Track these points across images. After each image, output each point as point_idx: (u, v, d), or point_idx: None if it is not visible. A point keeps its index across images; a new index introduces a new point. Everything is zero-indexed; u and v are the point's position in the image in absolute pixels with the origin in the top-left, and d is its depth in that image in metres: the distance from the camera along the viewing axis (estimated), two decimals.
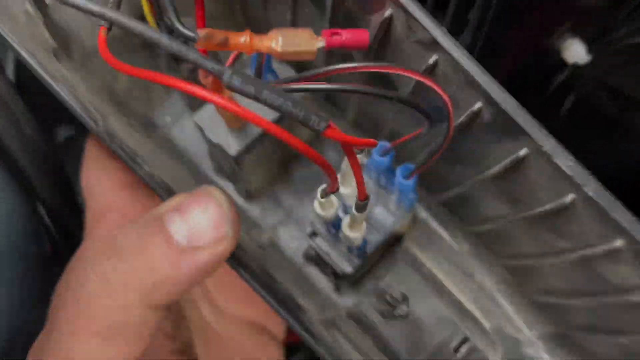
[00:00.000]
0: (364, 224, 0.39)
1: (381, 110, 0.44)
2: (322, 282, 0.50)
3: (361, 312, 0.39)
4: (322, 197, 0.35)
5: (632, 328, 0.37)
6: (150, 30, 0.25)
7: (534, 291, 0.46)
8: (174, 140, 0.54)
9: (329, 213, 0.39)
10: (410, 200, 0.43)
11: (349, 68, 0.31)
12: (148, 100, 0.54)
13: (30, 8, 0.44)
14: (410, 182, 0.40)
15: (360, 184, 0.31)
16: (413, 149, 0.42)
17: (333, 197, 0.40)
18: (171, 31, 0.30)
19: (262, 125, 0.25)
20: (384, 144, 0.41)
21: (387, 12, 0.32)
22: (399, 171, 0.40)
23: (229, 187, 0.53)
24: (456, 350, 0.36)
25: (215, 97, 0.25)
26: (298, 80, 0.32)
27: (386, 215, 0.45)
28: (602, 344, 0.41)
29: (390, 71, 0.30)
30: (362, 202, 0.33)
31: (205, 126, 0.44)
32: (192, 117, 0.46)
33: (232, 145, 0.44)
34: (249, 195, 0.52)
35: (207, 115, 0.44)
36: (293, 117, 0.25)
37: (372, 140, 0.29)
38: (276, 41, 0.31)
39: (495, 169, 0.35)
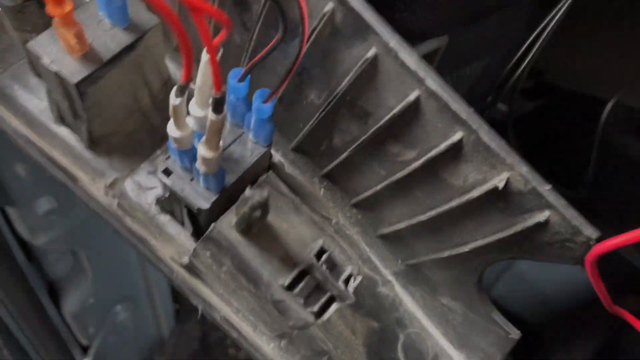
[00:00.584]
0: (221, 143, 0.38)
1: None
2: (178, 229, 0.47)
3: (220, 234, 0.38)
4: (176, 96, 0.34)
5: (473, 236, 0.41)
6: None
7: (384, 226, 0.48)
8: (6, 90, 0.49)
9: (184, 134, 0.38)
10: (266, 130, 0.43)
11: None
12: None
13: None
14: (268, 105, 0.40)
15: (215, 71, 0.31)
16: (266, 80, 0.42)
17: (188, 119, 0.38)
18: None
19: None
20: (239, 69, 0.40)
21: None
22: (256, 95, 0.40)
23: (71, 139, 0.49)
24: (318, 257, 0.36)
25: None
26: None
27: (243, 150, 0.44)
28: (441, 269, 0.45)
29: None
30: (219, 97, 0.32)
31: (42, 52, 0.40)
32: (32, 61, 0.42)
33: (74, 73, 0.40)
34: (93, 142, 0.48)
35: (45, 41, 0.41)
36: None
37: (223, 14, 0.28)
38: None
39: (345, 83, 0.37)
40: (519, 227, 0.36)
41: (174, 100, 0.34)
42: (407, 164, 0.39)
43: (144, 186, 0.49)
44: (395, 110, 0.36)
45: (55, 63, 0.40)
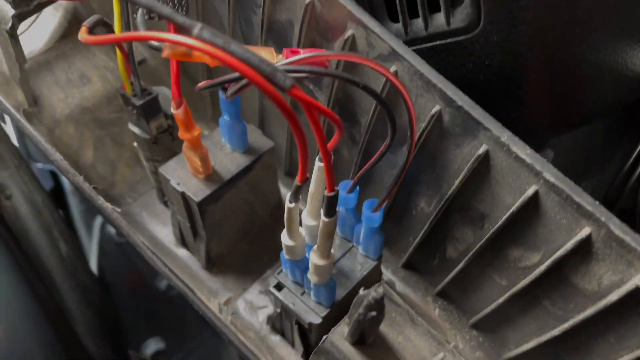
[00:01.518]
0: (332, 254, 0.38)
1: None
2: (288, 350, 0.46)
3: (333, 346, 0.36)
4: (290, 201, 0.35)
5: (617, 352, 0.36)
6: None
7: (510, 349, 0.43)
8: (135, 217, 0.53)
9: (296, 243, 0.38)
10: (376, 243, 0.42)
11: (328, 55, 0.33)
12: (112, 174, 0.54)
13: (7, 70, 0.46)
14: (377, 215, 0.40)
15: (328, 170, 0.31)
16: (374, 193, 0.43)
17: (301, 229, 0.39)
18: None
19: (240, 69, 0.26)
20: (348, 181, 0.41)
21: (349, 32, 0.35)
22: (365, 205, 0.41)
23: (189, 259, 0.51)
24: None
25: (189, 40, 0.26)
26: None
27: (352, 264, 0.43)
28: None
29: (359, 61, 0.33)
30: (332, 195, 0.33)
31: (170, 175, 0.44)
32: (162, 184, 0.46)
33: (198, 192, 0.43)
34: (209, 263, 0.50)
35: (173, 166, 0.45)
36: (260, 71, 0.26)
37: (335, 115, 0.30)
38: None
39: (457, 185, 0.36)
40: None
41: (288, 204, 0.35)
42: (531, 269, 0.36)
43: (255, 305, 0.49)
44: (513, 209, 0.34)
45: (182, 184, 0.44)
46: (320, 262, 0.38)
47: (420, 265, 0.48)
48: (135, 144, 0.50)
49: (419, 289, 0.49)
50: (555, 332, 0.38)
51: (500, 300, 0.41)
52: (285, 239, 0.39)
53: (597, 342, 0.36)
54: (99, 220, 0.82)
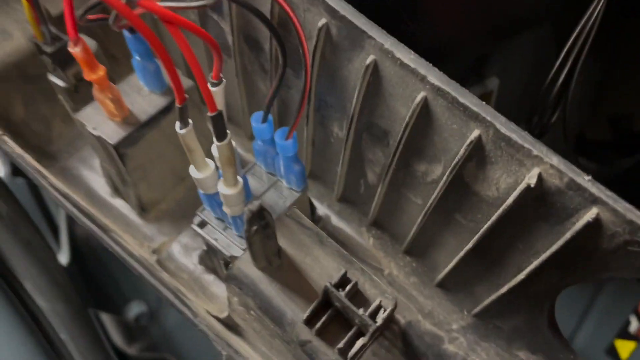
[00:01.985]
0: (241, 181, 0.38)
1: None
2: (221, 287, 0.46)
3: (240, 272, 0.36)
4: (180, 129, 0.34)
5: (526, 258, 0.35)
6: None
7: (440, 270, 0.43)
8: (72, 171, 0.53)
9: (204, 174, 0.38)
10: (296, 173, 0.42)
11: None
12: (47, 131, 0.54)
13: None
14: (290, 142, 0.40)
15: (204, 89, 0.31)
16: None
17: (209, 161, 0.39)
18: None
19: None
20: (260, 112, 0.41)
21: None
22: (277, 134, 0.40)
23: (125, 208, 0.51)
24: (340, 288, 0.33)
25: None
26: None
27: (277, 197, 0.43)
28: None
29: None
30: (214, 115, 0.32)
31: (86, 120, 0.44)
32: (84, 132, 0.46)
33: (113, 135, 0.43)
34: (143, 209, 0.50)
35: (90, 112, 0.44)
36: None
37: (200, 29, 0.29)
38: None
39: (355, 102, 0.35)
40: (568, 235, 0.31)
41: (179, 130, 0.35)
42: (437, 182, 0.36)
43: (190, 247, 0.49)
44: (407, 119, 0.33)
45: (97, 129, 0.43)
46: (227, 190, 0.38)
47: (351, 196, 0.47)
48: (59, 96, 0.50)
49: (354, 221, 0.48)
50: (470, 245, 0.37)
51: (420, 220, 0.40)
52: (192, 171, 0.39)
53: (508, 251, 0.36)
54: None
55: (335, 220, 0.49)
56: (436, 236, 0.41)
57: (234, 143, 0.35)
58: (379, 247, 0.47)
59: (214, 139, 0.34)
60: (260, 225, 0.30)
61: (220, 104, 0.35)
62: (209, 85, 0.35)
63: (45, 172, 0.41)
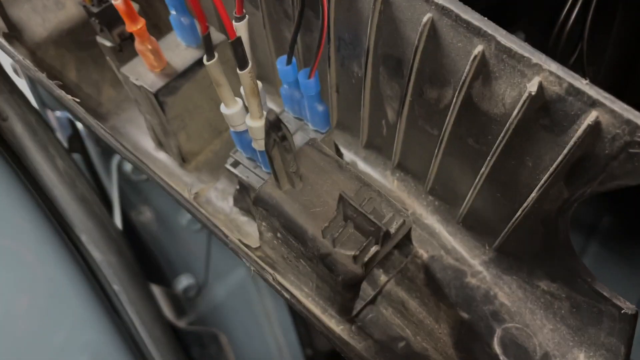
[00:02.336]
0: (265, 112, 0.40)
1: None
2: (254, 226, 0.49)
3: (265, 193, 0.38)
4: (207, 60, 0.37)
5: (536, 174, 0.37)
6: None
7: (460, 205, 0.45)
8: (120, 129, 0.58)
9: (233, 110, 0.41)
10: (320, 114, 0.44)
11: None
12: (98, 94, 0.59)
13: None
14: (312, 81, 0.42)
15: (223, 16, 0.34)
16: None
17: (237, 99, 0.42)
18: None
19: None
20: (284, 55, 0.44)
21: None
22: (300, 74, 0.43)
23: (167, 159, 0.55)
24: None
25: None
26: None
27: (303, 138, 0.46)
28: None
29: None
30: (234, 41, 0.35)
31: (130, 72, 0.48)
32: (127, 86, 0.50)
33: (153, 84, 0.47)
34: (183, 160, 0.53)
35: (133, 65, 0.48)
36: None
37: None
38: None
39: (369, 32, 0.38)
40: (572, 142, 0.32)
41: (205, 62, 0.38)
42: (449, 108, 0.38)
43: (226, 192, 0.52)
44: (416, 43, 0.36)
45: (139, 79, 0.47)
46: (254, 123, 0.41)
47: (375, 141, 0.49)
48: (107, 57, 0.54)
49: (379, 165, 0.51)
50: (485, 170, 0.39)
51: (438, 152, 0.42)
52: (222, 107, 0.42)
53: (519, 171, 0.37)
54: (115, 160, 0.88)
55: (362, 166, 0.51)
56: (454, 169, 0.43)
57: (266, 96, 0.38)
58: (403, 188, 0.49)
59: (237, 68, 0.37)
60: (278, 136, 0.33)
61: (244, 38, 0.38)
62: (233, 21, 0.38)
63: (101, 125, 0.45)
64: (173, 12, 0.47)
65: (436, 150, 0.42)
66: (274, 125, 0.32)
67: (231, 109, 0.41)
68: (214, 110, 0.53)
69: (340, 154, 0.51)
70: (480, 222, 0.45)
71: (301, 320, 0.99)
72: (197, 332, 1.00)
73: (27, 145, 0.56)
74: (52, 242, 0.57)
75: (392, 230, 0.35)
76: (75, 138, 0.87)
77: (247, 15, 0.38)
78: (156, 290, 1.00)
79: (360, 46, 0.41)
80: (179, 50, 0.49)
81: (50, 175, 0.57)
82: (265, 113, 0.41)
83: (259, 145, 0.42)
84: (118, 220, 0.91)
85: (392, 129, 0.46)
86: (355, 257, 0.35)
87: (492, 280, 0.46)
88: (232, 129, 0.44)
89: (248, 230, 0.49)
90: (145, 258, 0.98)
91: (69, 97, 0.46)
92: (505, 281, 0.45)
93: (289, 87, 0.45)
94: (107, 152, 0.87)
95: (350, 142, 0.52)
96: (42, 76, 0.46)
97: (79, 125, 0.86)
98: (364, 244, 0.35)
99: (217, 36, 0.49)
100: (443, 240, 0.47)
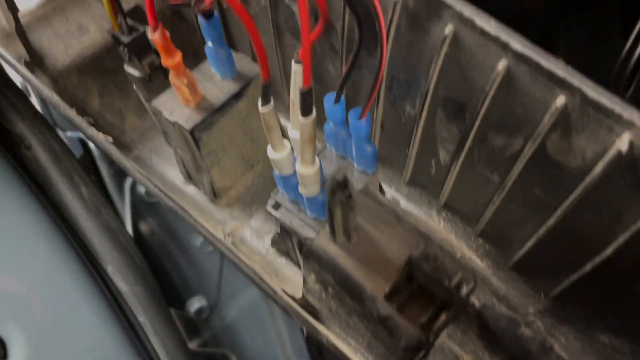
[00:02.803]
0: (318, 160, 0.38)
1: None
2: (293, 270, 0.47)
3: (319, 248, 0.36)
4: (262, 106, 0.35)
5: (613, 232, 0.34)
6: None
7: (515, 251, 0.42)
8: (145, 160, 0.55)
9: (281, 154, 0.38)
10: (368, 155, 0.42)
11: None
12: (121, 122, 0.56)
13: (5, 23, 0.48)
14: (364, 122, 0.40)
15: (306, 65, 0.31)
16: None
17: (286, 141, 0.39)
18: None
19: None
20: (333, 93, 0.41)
21: None
22: (351, 114, 0.40)
23: (197, 195, 0.52)
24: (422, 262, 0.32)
25: None
26: None
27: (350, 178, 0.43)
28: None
29: None
30: (306, 91, 0.32)
31: (162, 107, 0.45)
32: (159, 122, 0.47)
33: (189, 120, 0.44)
34: (215, 195, 0.51)
35: (165, 99, 0.46)
36: None
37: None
38: None
39: (431, 74, 0.35)
40: None
41: (261, 109, 0.35)
42: (517, 156, 0.35)
43: (261, 231, 0.49)
44: (487, 89, 0.33)
45: (173, 114, 0.44)
46: (305, 170, 0.38)
47: (421, 178, 0.47)
48: (134, 86, 0.52)
49: (423, 204, 0.48)
50: (551, 221, 0.37)
51: (496, 199, 0.40)
52: (269, 152, 0.39)
53: (593, 226, 0.35)
54: (128, 182, 0.85)
55: (404, 204, 0.49)
56: (513, 215, 0.40)
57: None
58: (450, 229, 0.47)
59: (299, 116, 0.34)
60: (343, 196, 0.30)
61: (298, 82, 0.35)
62: (293, 61, 0.36)
63: (130, 160, 0.42)
64: (209, 44, 0.44)
65: (495, 197, 0.40)
66: (342, 186, 0.29)
67: (280, 153, 0.39)
68: (247, 144, 0.50)
69: (382, 191, 0.49)
70: (537, 268, 0.42)
71: (314, 344, 0.97)
72: (209, 353, 0.98)
73: (51, 174, 0.54)
74: (78, 273, 0.54)
75: (464, 295, 0.32)
76: (86, 158, 0.84)
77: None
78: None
79: (416, 87, 0.38)
80: (214, 83, 0.46)
81: (76, 205, 0.54)
82: (317, 160, 0.38)
83: (308, 191, 0.39)
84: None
85: (443, 170, 0.43)
86: (422, 325, 0.32)
87: (547, 330, 0.43)
88: (276, 172, 0.41)
89: (287, 274, 0.47)
90: (159, 280, 0.96)
91: (101, 135, 0.43)
92: (561, 331, 0.43)
93: (335, 125, 0.42)
94: (119, 173, 0.84)
95: (391, 177, 0.50)
96: (72, 113, 0.43)
97: (91, 145, 0.83)
98: (433, 309, 0.33)
99: (251, 67, 0.47)
100: (495, 286, 0.45)
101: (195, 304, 0.97)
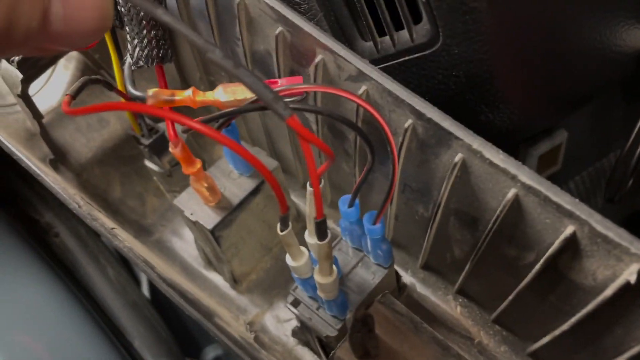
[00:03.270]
0: (335, 269, 0.39)
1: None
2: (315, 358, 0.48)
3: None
4: (281, 230, 0.36)
5: (626, 343, 0.35)
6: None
7: (532, 342, 0.43)
8: (166, 243, 0.57)
9: (300, 263, 0.40)
10: (384, 252, 0.43)
11: (303, 88, 0.34)
12: (142, 206, 0.58)
13: (30, 124, 0.51)
14: (378, 227, 0.41)
15: (317, 198, 0.32)
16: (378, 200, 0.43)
17: (303, 249, 0.40)
18: None
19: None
20: (347, 196, 0.42)
21: (318, 58, 0.36)
22: (365, 218, 0.41)
23: (218, 280, 0.54)
24: None
25: (192, 123, 0.28)
26: None
27: (365, 274, 0.44)
28: None
29: (333, 92, 0.34)
30: (319, 222, 0.34)
31: (184, 206, 0.47)
32: (181, 216, 0.49)
33: (209, 220, 0.46)
34: (235, 281, 0.52)
35: (186, 198, 0.47)
36: (262, 97, 0.26)
37: (327, 147, 0.31)
38: (218, 92, 0.36)
39: (443, 191, 0.36)
40: None
41: (279, 232, 0.37)
42: (530, 267, 0.36)
43: (282, 319, 0.51)
44: (497, 212, 0.34)
45: (194, 214, 0.46)
46: (323, 280, 0.39)
47: (437, 265, 0.48)
48: (154, 177, 0.53)
49: (439, 289, 0.49)
50: (565, 326, 0.37)
51: (511, 297, 0.41)
52: (288, 260, 0.41)
53: (606, 335, 0.36)
54: None
55: (421, 288, 0.50)
56: (528, 312, 0.41)
57: None
58: (466, 315, 0.48)
59: (316, 239, 0.36)
60: (364, 332, 0.31)
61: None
62: (308, 185, 0.37)
63: (149, 261, 0.44)
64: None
65: (511, 297, 0.40)
66: (362, 323, 0.31)
67: (298, 262, 0.40)
68: (265, 231, 0.52)
69: (398, 276, 0.50)
70: (555, 358, 0.43)
71: None
72: None
73: (78, 258, 0.56)
74: (105, 348, 0.56)
75: None
76: None
77: (322, 181, 0.36)
78: None
79: (428, 196, 0.40)
80: (231, 180, 0.48)
81: (103, 286, 0.57)
82: (335, 269, 0.40)
83: (327, 296, 0.41)
84: (146, 291, 0.89)
85: (458, 262, 0.44)
86: None
87: None
88: (293, 274, 0.43)
89: None
90: (175, 327, 0.97)
91: (124, 239, 0.45)
92: None
93: (350, 224, 0.43)
94: None
95: (406, 260, 0.51)
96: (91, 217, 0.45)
97: None
98: None
99: (268, 162, 0.48)
100: None
101: (211, 352, 0.97)
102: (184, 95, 0.36)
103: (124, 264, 0.91)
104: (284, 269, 0.53)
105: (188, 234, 0.57)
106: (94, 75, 0.40)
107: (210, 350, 0.93)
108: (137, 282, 0.91)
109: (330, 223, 0.55)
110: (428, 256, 0.47)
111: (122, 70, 0.41)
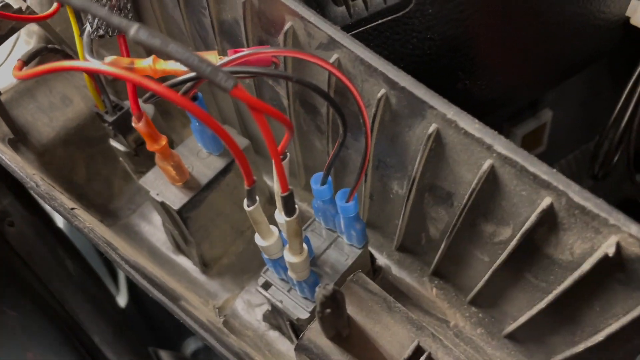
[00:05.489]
0: (306, 248, 0.38)
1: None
2: (287, 345, 0.46)
3: (310, 342, 0.36)
4: (248, 206, 0.35)
5: (605, 320, 0.34)
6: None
7: (508, 323, 0.42)
8: (134, 228, 0.55)
9: (270, 242, 0.38)
10: (357, 231, 0.42)
11: (268, 52, 0.32)
12: (108, 189, 0.55)
13: None
14: (351, 204, 0.39)
15: (279, 172, 0.31)
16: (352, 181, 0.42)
17: (273, 228, 0.39)
18: None
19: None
20: (319, 173, 0.41)
21: (288, 25, 0.35)
22: (338, 196, 0.40)
23: (188, 265, 0.52)
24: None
25: (155, 85, 0.26)
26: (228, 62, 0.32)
27: (339, 255, 0.43)
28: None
29: (302, 57, 0.32)
30: (286, 195, 0.32)
31: (150, 186, 0.45)
32: (147, 197, 0.47)
33: (176, 200, 0.44)
34: (205, 265, 0.50)
35: (152, 177, 0.45)
36: (200, 72, 0.25)
37: (282, 115, 0.29)
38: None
39: (417, 165, 0.35)
40: None
41: (246, 207, 0.35)
42: (506, 243, 0.35)
43: (253, 303, 0.49)
44: (473, 185, 0.33)
45: (160, 194, 0.44)
46: (294, 259, 0.38)
47: (412, 247, 0.47)
48: (120, 158, 0.51)
49: (415, 271, 0.48)
50: (542, 304, 0.36)
51: (487, 276, 0.40)
52: (258, 240, 0.39)
53: (584, 312, 0.35)
54: None
55: (396, 270, 0.48)
56: (504, 291, 0.40)
57: None
58: (442, 297, 0.47)
59: (284, 215, 0.34)
60: (333, 308, 0.30)
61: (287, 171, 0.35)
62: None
63: (114, 243, 0.42)
64: (196, 123, 0.44)
65: (486, 275, 0.39)
66: (331, 300, 0.29)
67: (268, 241, 0.38)
68: (236, 213, 0.50)
69: (373, 258, 0.48)
70: (532, 339, 0.42)
71: None
72: None
73: (36, 249, 0.53)
74: (64, 347, 0.54)
75: None
76: None
77: (288, 154, 0.35)
78: (165, 355, 0.96)
79: (403, 171, 0.38)
80: (199, 159, 0.46)
81: (61, 279, 0.54)
82: (305, 247, 0.38)
83: (298, 276, 0.39)
84: (124, 291, 0.88)
85: (433, 242, 0.43)
86: None
87: None
88: (264, 255, 0.41)
89: (280, 349, 0.46)
90: (153, 322, 0.95)
91: (87, 219, 0.42)
92: None
93: (323, 203, 0.42)
94: None
95: (382, 242, 0.49)
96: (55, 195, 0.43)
97: None
98: None
99: (239, 141, 0.47)
100: (489, 355, 0.45)
101: (191, 344, 0.95)
102: (144, 64, 0.34)
103: (104, 261, 0.89)
104: (256, 253, 0.52)
105: (157, 218, 0.55)
106: (51, 44, 0.38)
107: (190, 342, 0.91)
108: (115, 278, 0.89)
109: (304, 206, 0.53)
110: (403, 237, 0.46)
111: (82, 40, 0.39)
